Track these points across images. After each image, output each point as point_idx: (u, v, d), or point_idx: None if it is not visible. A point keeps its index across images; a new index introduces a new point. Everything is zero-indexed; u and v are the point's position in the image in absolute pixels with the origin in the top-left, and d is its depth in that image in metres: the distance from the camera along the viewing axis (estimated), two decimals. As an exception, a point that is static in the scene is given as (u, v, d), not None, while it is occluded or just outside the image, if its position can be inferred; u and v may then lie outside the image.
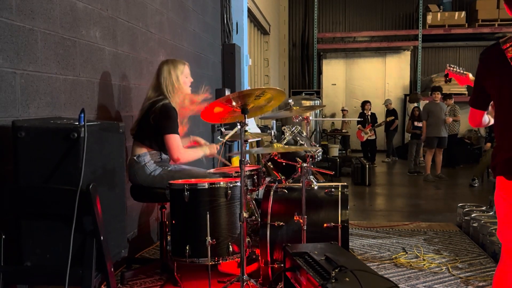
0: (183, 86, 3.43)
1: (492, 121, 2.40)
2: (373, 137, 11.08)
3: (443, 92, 9.53)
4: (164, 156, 3.41)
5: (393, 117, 11.35)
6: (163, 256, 3.48)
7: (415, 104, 10.90)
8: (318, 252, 2.31)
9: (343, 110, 13.21)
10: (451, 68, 2.90)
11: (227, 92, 6.05)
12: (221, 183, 3.02)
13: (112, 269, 2.26)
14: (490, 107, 2.35)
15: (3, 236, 2.14)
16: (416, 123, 9.92)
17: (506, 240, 2.18)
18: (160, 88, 3.37)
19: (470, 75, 2.80)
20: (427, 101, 10.26)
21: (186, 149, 3.36)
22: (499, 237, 2.26)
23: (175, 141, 3.27)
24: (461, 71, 2.85)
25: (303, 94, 12.32)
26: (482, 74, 2.22)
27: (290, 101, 3.62)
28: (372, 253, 4.13)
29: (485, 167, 8.20)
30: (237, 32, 7.31)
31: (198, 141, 3.70)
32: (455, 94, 10.49)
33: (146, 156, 3.32)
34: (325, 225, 3.05)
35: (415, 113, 10.09)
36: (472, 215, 4.75)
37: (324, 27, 14.74)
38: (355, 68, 14.76)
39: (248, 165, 3.82)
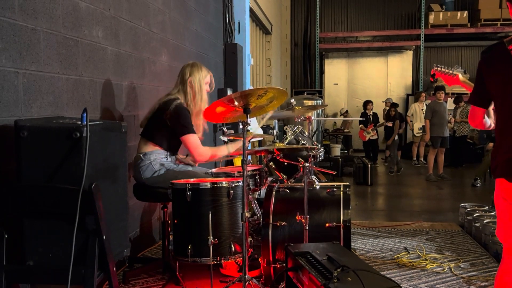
0: (203, 92, 3.45)
1: (493, 125, 2.37)
2: (375, 137, 11.08)
3: (446, 92, 9.53)
4: (170, 156, 3.42)
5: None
6: (165, 256, 3.48)
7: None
8: (320, 252, 2.31)
9: (342, 113, 13.20)
10: (438, 68, 2.86)
11: (229, 92, 6.05)
12: (223, 182, 3.02)
13: (114, 269, 2.26)
14: (490, 108, 2.32)
15: (6, 236, 2.14)
16: (389, 124, 10.00)
17: (507, 240, 2.18)
18: (181, 88, 3.42)
19: (460, 76, 2.75)
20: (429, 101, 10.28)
21: (206, 148, 3.39)
22: (498, 237, 2.25)
23: (193, 141, 3.31)
24: (450, 71, 2.80)
25: (305, 94, 12.32)
26: (484, 72, 2.20)
27: (292, 100, 3.61)
28: (374, 253, 4.12)
29: (487, 167, 8.18)
30: (239, 32, 7.31)
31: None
32: (457, 93, 10.48)
33: (152, 154, 3.33)
34: (327, 225, 3.04)
35: (390, 114, 10.09)
36: (475, 215, 4.74)
37: (326, 27, 14.72)
38: (357, 67, 14.75)
39: (250, 164, 3.83)
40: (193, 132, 3.33)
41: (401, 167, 9.91)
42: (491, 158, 2.21)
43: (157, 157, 3.34)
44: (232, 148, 3.49)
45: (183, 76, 3.45)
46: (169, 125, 3.29)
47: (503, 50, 2.09)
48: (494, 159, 2.18)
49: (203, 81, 3.45)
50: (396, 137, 9.99)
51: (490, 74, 2.17)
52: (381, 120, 11.49)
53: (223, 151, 3.48)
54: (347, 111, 13.31)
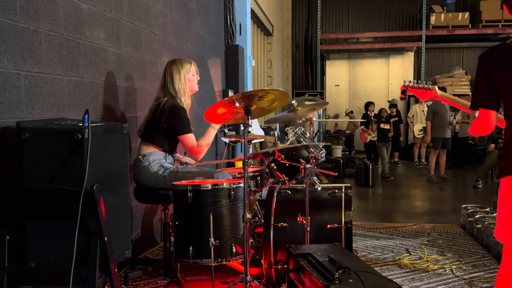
0: (190, 85, 3.49)
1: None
2: (376, 138, 11.06)
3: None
4: (169, 157, 3.43)
5: (397, 118, 11.33)
6: (166, 257, 3.49)
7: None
8: (322, 253, 2.31)
9: (347, 113, 13.16)
10: (410, 84, 2.69)
11: (230, 93, 6.05)
12: (224, 184, 3.02)
13: (116, 270, 2.26)
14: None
15: (8, 237, 2.15)
16: (382, 125, 9.74)
17: (509, 240, 2.16)
18: (166, 88, 3.43)
19: (437, 89, 2.62)
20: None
21: (200, 141, 3.39)
22: (499, 238, 2.22)
23: (191, 140, 3.35)
24: (425, 86, 2.64)
25: (306, 95, 12.32)
26: (492, 74, 2.13)
27: (294, 102, 3.61)
28: (375, 254, 4.12)
29: (489, 168, 8.18)
30: (240, 33, 7.31)
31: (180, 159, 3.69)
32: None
33: (151, 155, 3.34)
34: (328, 226, 3.04)
35: (382, 115, 9.97)
36: (476, 216, 4.74)
37: (327, 28, 14.73)
38: (358, 69, 14.75)
39: (251, 166, 3.83)
40: (190, 131, 3.37)
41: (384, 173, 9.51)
42: (498, 158, 2.15)
43: (155, 158, 3.35)
44: (216, 126, 3.44)
45: (165, 75, 3.47)
46: (165, 126, 3.31)
47: (508, 51, 2.08)
48: (503, 159, 2.11)
49: (187, 76, 3.47)
50: (389, 139, 9.77)
51: (499, 75, 2.11)
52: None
53: (212, 133, 3.43)
54: (352, 111, 13.28)
